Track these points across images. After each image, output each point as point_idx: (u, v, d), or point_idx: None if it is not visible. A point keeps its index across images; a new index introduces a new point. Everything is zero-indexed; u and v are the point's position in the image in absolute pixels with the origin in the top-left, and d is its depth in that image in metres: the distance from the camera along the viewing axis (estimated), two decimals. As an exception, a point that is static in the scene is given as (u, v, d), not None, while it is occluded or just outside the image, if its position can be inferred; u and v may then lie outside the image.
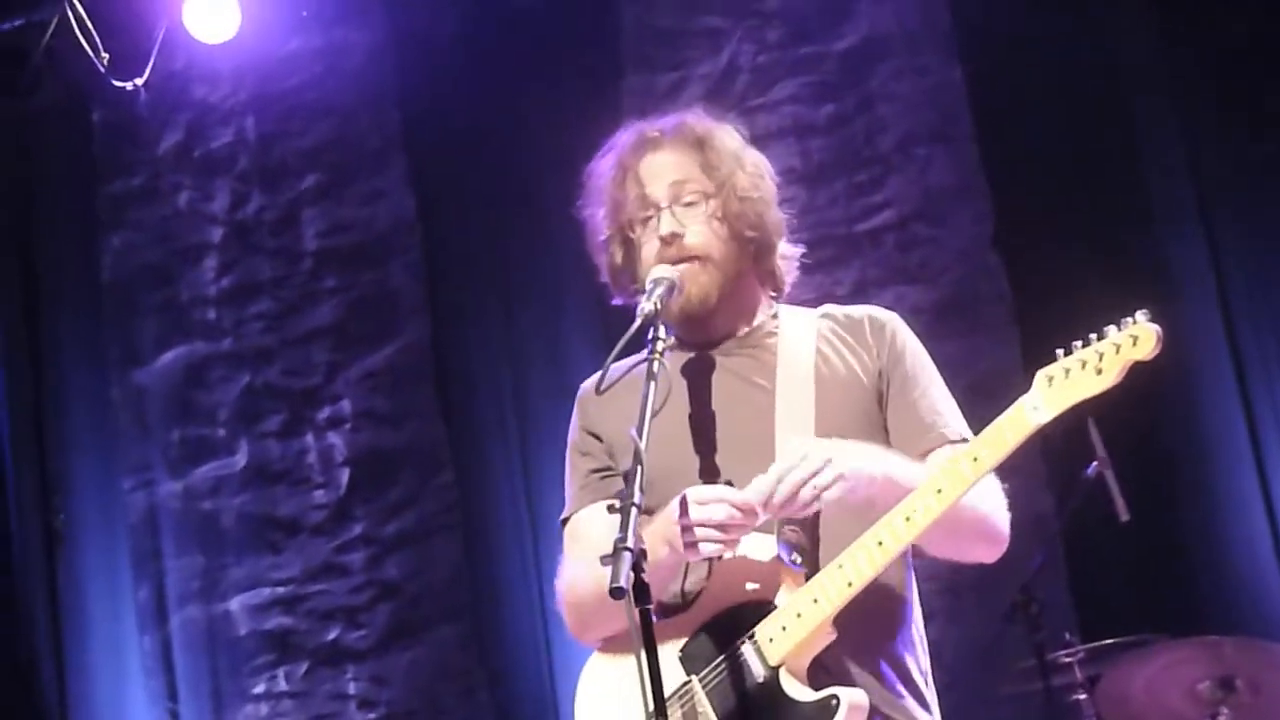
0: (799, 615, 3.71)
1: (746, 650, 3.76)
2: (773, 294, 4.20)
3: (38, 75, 8.21)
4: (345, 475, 8.03)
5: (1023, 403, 3.64)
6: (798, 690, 3.72)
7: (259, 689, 7.91)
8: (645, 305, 3.82)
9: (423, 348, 8.11)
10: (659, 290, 3.86)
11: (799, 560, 3.80)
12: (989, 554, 4.00)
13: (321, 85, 8.27)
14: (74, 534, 8.11)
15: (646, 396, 3.65)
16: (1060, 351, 3.62)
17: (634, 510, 3.39)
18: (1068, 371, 3.59)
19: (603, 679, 3.96)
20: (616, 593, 3.29)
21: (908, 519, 3.68)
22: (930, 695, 3.99)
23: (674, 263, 3.96)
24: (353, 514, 8.02)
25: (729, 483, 3.82)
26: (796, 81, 7.93)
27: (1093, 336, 3.58)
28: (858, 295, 7.64)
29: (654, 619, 3.53)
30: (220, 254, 8.22)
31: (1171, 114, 7.51)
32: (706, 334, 4.07)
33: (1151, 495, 6.68)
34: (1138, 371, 3.63)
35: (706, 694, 3.77)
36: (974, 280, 7.69)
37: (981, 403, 7.13)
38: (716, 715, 3.75)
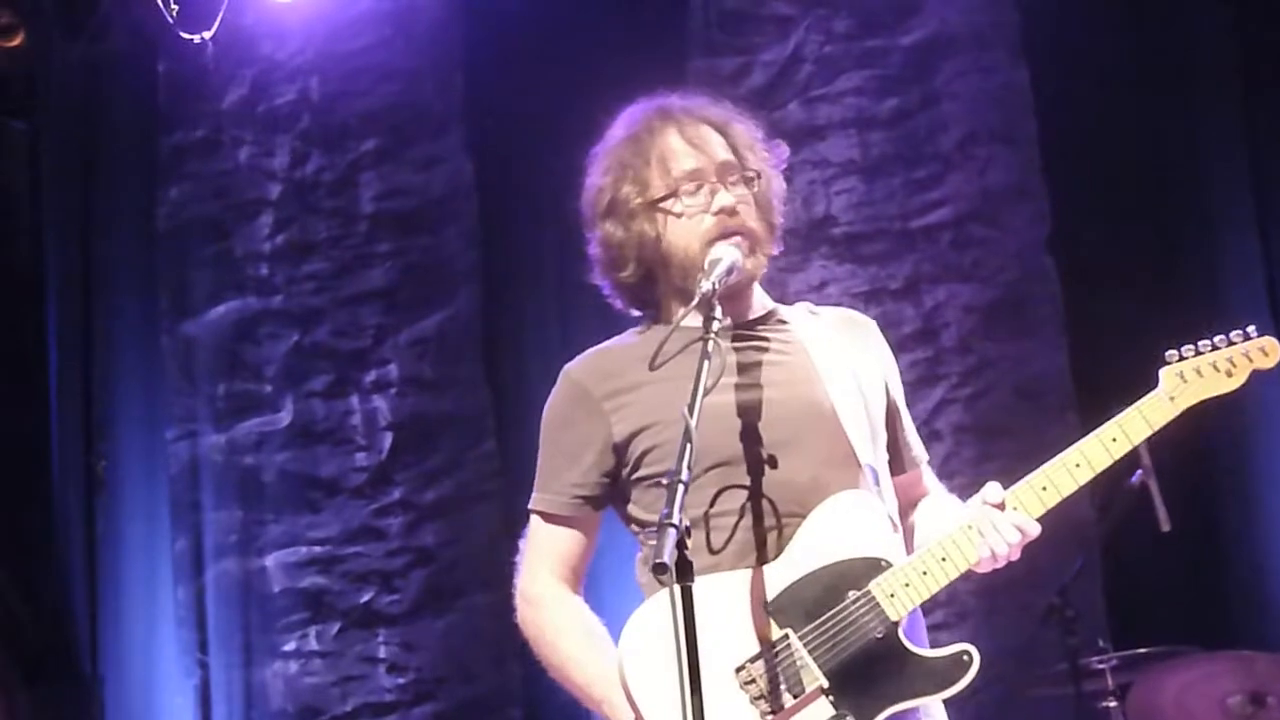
0: (924, 573, 3.74)
1: (860, 605, 3.72)
2: None
3: (106, 23, 8.24)
4: (388, 439, 8.05)
5: (1159, 393, 3.80)
6: (919, 646, 3.74)
7: (290, 646, 7.93)
8: (704, 284, 3.76)
9: (473, 316, 8.12)
10: (720, 269, 3.81)
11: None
12: None
13: (387, 48, 8.26)
14: (115, 481, 8.12)
15: (700, 375, 3.59)
16: (1174, 353, 3.82)
17: (681, 488, 3.35)
18: (1199, 371, 3.79)
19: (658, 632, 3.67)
20: (659, 569, 3.24)
21: (1044, 489, 3.79)
22: None
23: (731, 235, 3.92)
24: (393, 478, 8.03)
25: (771, 458, 3.81)
26: (861, 74, 7.92)
27: (1207, 343, 3.82)
28: (910, 291, 7.65)
29: (732, 570, 3.68)
30: (276, 211, 8.23)
31: (1237, 127, 7.49)
32: (734, 315, 3.98)
33: (1194, 507, 6.66)
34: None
35: (809, 650, 3.69)
36: (1027, 282, 7.69)
37: (1028, 405, 7.16)
38: (822, 672, 3.67)
